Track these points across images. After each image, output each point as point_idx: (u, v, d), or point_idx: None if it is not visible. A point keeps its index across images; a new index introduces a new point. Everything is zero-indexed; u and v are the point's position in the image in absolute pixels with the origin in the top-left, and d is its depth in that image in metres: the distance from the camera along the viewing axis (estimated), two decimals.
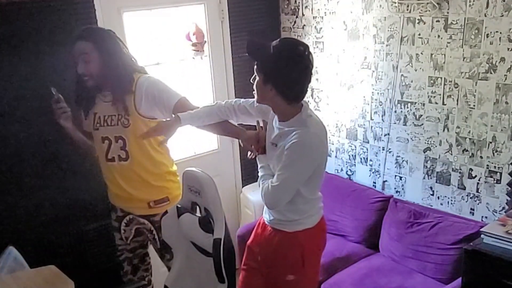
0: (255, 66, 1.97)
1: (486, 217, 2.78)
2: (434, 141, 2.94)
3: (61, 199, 2.84)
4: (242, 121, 2.29)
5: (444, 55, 2.77)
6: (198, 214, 2.17)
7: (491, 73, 2.59)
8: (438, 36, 2.77)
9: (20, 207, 2.71)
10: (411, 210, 2.96)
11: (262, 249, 2.22)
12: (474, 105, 2.71)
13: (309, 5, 3.46)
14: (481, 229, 2.38)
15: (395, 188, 3.24)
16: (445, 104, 2.83)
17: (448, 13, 2.70)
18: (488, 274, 2.28)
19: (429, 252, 2.79)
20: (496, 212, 2.73)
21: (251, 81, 2.01)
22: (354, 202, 3.24)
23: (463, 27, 2.65)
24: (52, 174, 2.79)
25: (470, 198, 2.84)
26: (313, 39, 3.48)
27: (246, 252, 2.33)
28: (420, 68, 2.91)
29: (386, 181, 3.29)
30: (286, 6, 3.63)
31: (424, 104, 2.94)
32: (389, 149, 3.20)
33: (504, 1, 2.46)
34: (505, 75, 2.54)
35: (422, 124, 2.97)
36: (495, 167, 2.69)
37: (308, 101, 3.18)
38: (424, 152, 3.01)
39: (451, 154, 2.87)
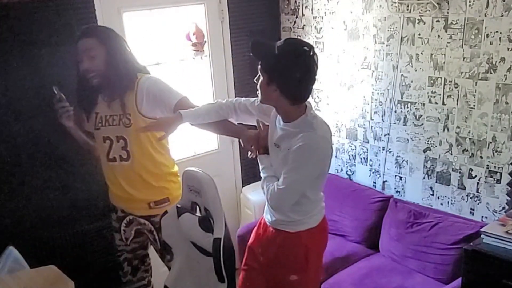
0: (259, 66, 1.96)
1: (486, 217, 2.78)
2: (434, 141, 2.94)
3: (61, 199, 2.83)
4: (242, 120, 2.29)
5: (444, 55, 2.77)
6: (198, 214, 2.17)
7: (491, 73, 2.59)
8: (438, 36, 2.77)
9: (20, 207, 2.71)
10: (411, 210, 2.96)
11: (264, 250, 2.22)
12: (474, 105, 2.71)
13: (309, 5, 3.46)
14: (481, 229, 2.38)
15: (395, 188, 3.24)
16: (445, 104, 2.83)
17: (448, 13, 2.70)
18: (488, 274, 2.28)
19: (429, 252, 2.79)
20: (496, 212, 2.73)
21: (255, 81, 2.00)
22: (354, 202, 3.24)
23: (463, 27, 2.65)
24: (52, 174, 2.79)
25: (470, 198, 2.84)
26: (313, 39, 3.48)
27: (247, 253, 2.32)
28: (420, 68, 2.91)
29: (386, 181, 3.29)
30: (286, 6, 3.63)
31: (424, 104, 2.94)
32: (389, 149, 3.20)
33: (504, 1, 2.46)
34: (505, 75, 2.54)
35: (422, 124, 2.97)
36: (495, 167, 2.69)
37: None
38: (424, 152, 3.01)
39: (451, 154, 2.87)
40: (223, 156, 3.65)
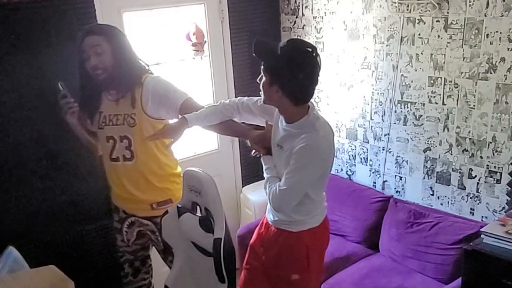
0: (262, 67, 1.96)
1: (486, 217, 2.78)
2: (434, 141, 2.94)
3: (61, 199, 2.83)
4: (246, 120, 2.28)
5: (444, 55, 2.77)
6: (198, 214, 2.17)
7: (491, 73, 2.59)
8: (438, 36, 2.77)
9: (20, 207, 2.71)
10: (411, 210, 2.96)
11: (266, 249, 2.22)
12: (474, 105, 2.71)
13: (309, 5, 3.46)
14: (481, 229, 2.38)
15: (395, 188, 3.24)
16: (445, 104, 2.84)
17: (448, 13, 2.70)
18: (488, 274, 2.28)
19: (429, 252, 2.79)
20: (496, 212, 2.73)
21: (258, 81, 2.00)
22: (354, 202, 3.24)
23: (463, 27, 2.65)
24: (52, 174, 2.78)
25: (470, 198, 2.84)
26: (313, 39, 3.48)
27: (249, 252, 2.32)
28: (420, 68, 2.91)
29: (386, 181, 3.29)
30: (286, 6, 3.63)
31: (424, 104, 2.94)
32: (389, 149, 3.20)
33: (504, 1, 2.46)
34: (505, 75, 2.54)
35: (422, 124, 2.97)
36: (495, 167, 2.69)
37: None
38: (424, 152, 3.01)
39: (451, 154, 2.87)
40: (223, 156, 3.65)
